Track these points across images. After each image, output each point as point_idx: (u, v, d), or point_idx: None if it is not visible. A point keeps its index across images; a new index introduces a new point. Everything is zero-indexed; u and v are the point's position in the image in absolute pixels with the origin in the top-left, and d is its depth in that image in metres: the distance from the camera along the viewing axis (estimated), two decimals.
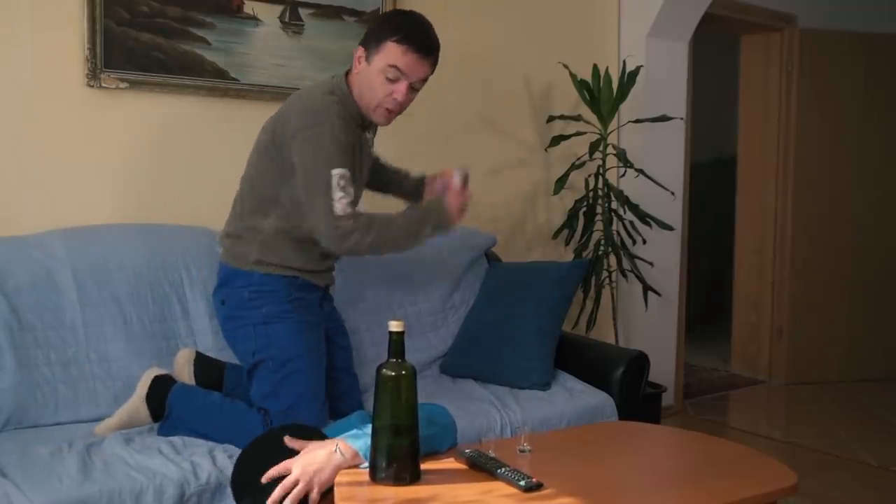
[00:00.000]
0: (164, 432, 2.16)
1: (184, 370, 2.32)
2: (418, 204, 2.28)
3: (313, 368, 2.20)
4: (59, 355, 2.27)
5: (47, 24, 2.51)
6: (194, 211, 2.77)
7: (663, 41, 3.91)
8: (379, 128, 2.34)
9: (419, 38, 2.09)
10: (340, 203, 2.03)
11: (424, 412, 1.78)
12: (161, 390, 2.20)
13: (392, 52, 2.07)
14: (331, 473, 1.63)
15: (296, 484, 1.60)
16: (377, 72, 2.09)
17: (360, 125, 2.19)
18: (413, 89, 2.14)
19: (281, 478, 1.63)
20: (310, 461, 1.64)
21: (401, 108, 2.16)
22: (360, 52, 2.13)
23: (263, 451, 1.75)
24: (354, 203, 2.14)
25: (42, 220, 2.50)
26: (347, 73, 2.19)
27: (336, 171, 2.03)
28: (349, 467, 1.66)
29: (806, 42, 4.73)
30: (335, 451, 1.65)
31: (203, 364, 2.34)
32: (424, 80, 2.15)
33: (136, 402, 2.20)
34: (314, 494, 1.62)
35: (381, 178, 2.51)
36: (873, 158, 4.89)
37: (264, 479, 1.64)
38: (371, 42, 2.11)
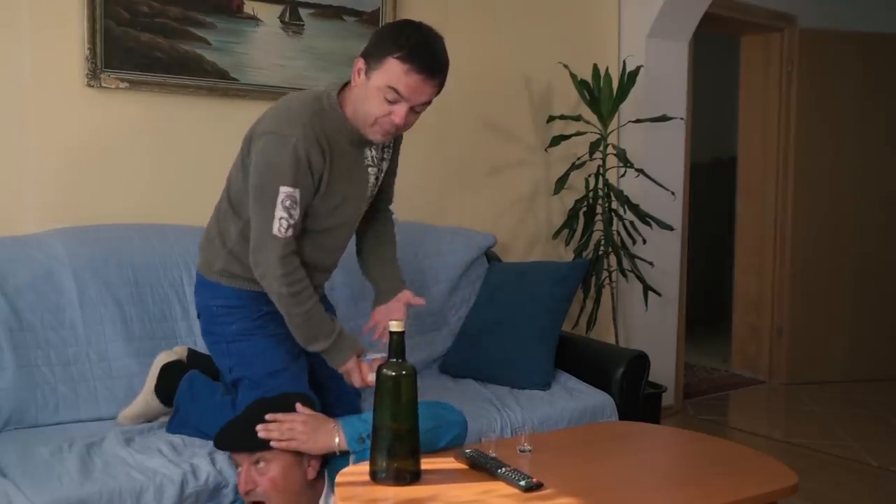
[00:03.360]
0: (171, 429, 2.18)
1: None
2: (339, 328, 2.04)
3: (291, 382, 2.11)
4: (59, 355, 2.27)
5: (47, 24, 2.51)
6: (194, 211, 2.76)
7: (663, 41, 3.91)
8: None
9: (424, 56, 1.87)
10: (279, 223, 1.88)
11: (433, 408, 1.84)
12: (170, 380, 2.21)
13: (393, 72, 1.85)
14: (319, 447, 1.81)
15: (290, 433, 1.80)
16: (375, 90, 1.88)
17: (351, 142, 2.00)
18: (414, 112, 1.92)
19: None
20: (315, 424, 1.82)
21: (398, 130, 1.96)
22: (360, 64, 1.92)
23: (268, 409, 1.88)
24: (344, 226, 2.07)
25: (42, 220, 2.50)
26: (346, 85, 2.00)
27: (284, 189, 1.87)
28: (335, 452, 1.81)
29: (806, 42, 4.73)
30: (335, 431, 1.81)
31: (196, 361, 2.32)
32: (428, 103, 1.93)
33: (147, 395, 2.21)
34: (292, 444, 1.79)
35: (375, 254, 2.30)
36: (873, 158, 4.89)
37: (269, 417, 1.82)
38: (372, 55, 1.90)
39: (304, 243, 2.01)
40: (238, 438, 1.86)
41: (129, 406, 2.22)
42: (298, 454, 1.83)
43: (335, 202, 2.02)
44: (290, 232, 1.91)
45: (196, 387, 2.21)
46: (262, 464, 1.82)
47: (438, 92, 1.95)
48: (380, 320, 2.22)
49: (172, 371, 2.23)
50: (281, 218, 1.88)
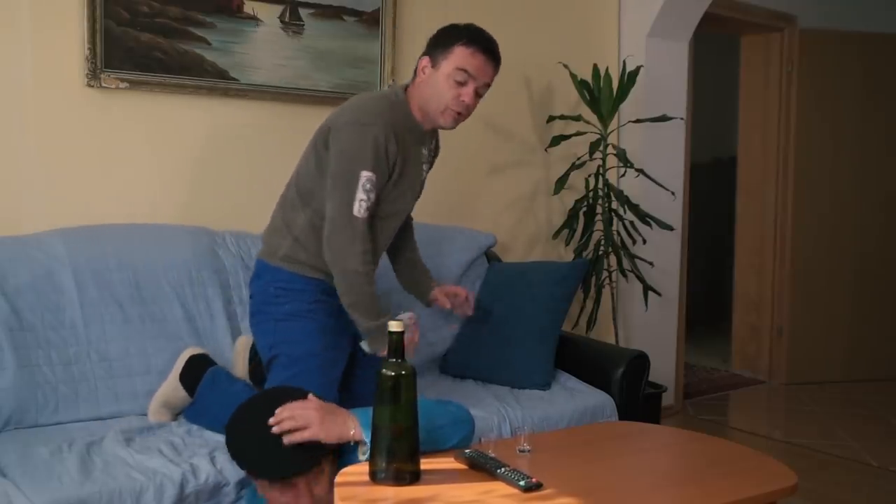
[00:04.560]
0: (189, 417, 2.25)
1: (239, 356, 2.39)
2: (388, 316, 2.14)
3: (324, 370, 2.20)
4: (59, 355, 2.27)
5: (47, 24, 2.51)
6: (194, 211, 2.77)
7: (663, 41, 3.91)
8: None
9: (485, 42, 2.16)
10: (359, 204, 2.07)
11: (440, 407, 1.83)
12: (195, 370, 2.26)
13: (461, 55, 2.12)
14: (334, 433, 1.75)
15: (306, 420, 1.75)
16: (445, 76, 2.13)
17: (415, 138, 2.21)
18: (477, 94, 2.17)
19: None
20: (328, 411, 1.77)
21: (468, 111, 2.18)
22: (425, 61, 2.17)
23: (279, 398, 1.83)
24: (398, 215, 2.26)
25: (42, 220, 2.50)
26: (406, 87, 2.22)
27: (365, 173, 2.06)
28: (349, 440, 1.76)
29: (806, 42, 4.73)
30: (348, 420, 1.77)
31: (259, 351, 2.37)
32: (488, 86, 2.19)
33: (172, 381, 2.26)
34: (307, 434, 1.73)
35: (409, 268, 2.55)
36: (873, 158, 4.89)
37: (280, 410, 1.76)
38: (437, 49, 2.16)
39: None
40: (265, 463, 1.78)
41: (154, 396, 2.27)
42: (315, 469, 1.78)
43: (400, 191, 2.22)
44: (367, 213, 2.09)
45: (217, 378, 2.27)
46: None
47: (494, 76, 2.20)
48: (441, 298, 2.51)
49: (199, 363, 2.28)
50: (361, 200, 2.07)
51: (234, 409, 2.10)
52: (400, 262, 2.55)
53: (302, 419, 1.75)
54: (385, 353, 2.00)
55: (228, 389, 2.24)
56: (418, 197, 2.38)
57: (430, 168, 2.39)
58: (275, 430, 1.75)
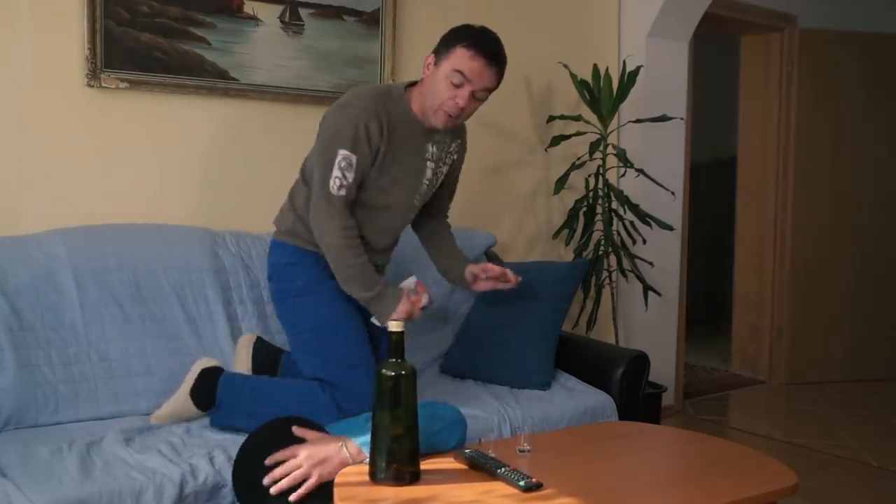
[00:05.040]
0: (217, 423, 2.20)
1: (242, 352, 2.38)
2: (383, 282, 2.22)
3: (354, 335, 2.24)
4: (59, 355, 2.27)
5: (47, 24, 2.51)
6: (195, 211, 2.77)
7: (663, 41, 3.91)
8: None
9: (488, 46, 2.16)
10: (334, 181, 2.11)
11: (430, 410, 1.80)
12: (207, 383, 2.24)
13: (460, 57, 2.13)
14: (335, 467, 1.70)
15: (303, 474, 1.69)
16: (444, 76, 2.14)
17: (414, 132, 2.22)
18: (475, 98, 2.17)
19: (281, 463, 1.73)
20: (317, 450, 1.72)
21: (461, 113, 2.18)
22: (430, 58, 2.20)
23: (267, 441, 1.79)
24: (395, 209, 2.27)
25: (42, 220, 2.50)
26: (413, 84, 2.26)
27: (342, 152, 2.10)
28: (354, 464, 1.71)
29: (806, 42, 4.73)
30: (342, 446, 1.72)
31: (262, 348, 2.40)
32: (489, 91, 2.19)
33: (182, 395, 2.24)
34: (312, 482, 1.69)
35: (440, 249, 2.58)
36: (873, 158, 4.90)
37: (269, 461, 1.73)
38: (442, 48, 2.18)
39: (360, 217, 2.22)
40: None
41: (163, 406, 2.24)
42: None
43: (390, 180, 2.23)
44: (342, 192, 2.13)
45: (235, 377, 2.27)
46: None
47: (497, 83, 2.21)
48: (477, 271, 2.52)
49: (211, 376, 2.24)
50: (336, 177, 2.11)
51: (268, 396, 2.16)
52: (442, 265, 2.59)
53: (299, 474, 1.70)
54: (391, 318, 2.11)
55: (254, 382, 2.27)
56: (426, 195, 2.38)
57: (446, 168, 2.40)
58: (273, 490, 1.70)
